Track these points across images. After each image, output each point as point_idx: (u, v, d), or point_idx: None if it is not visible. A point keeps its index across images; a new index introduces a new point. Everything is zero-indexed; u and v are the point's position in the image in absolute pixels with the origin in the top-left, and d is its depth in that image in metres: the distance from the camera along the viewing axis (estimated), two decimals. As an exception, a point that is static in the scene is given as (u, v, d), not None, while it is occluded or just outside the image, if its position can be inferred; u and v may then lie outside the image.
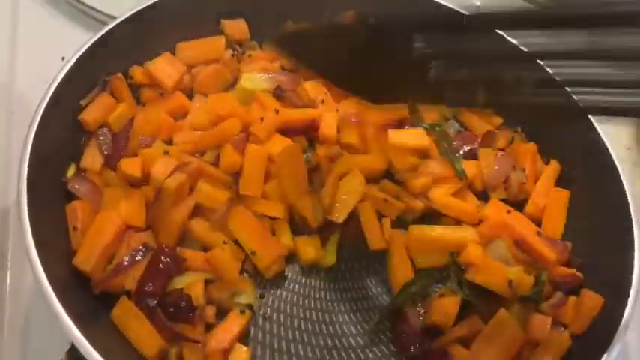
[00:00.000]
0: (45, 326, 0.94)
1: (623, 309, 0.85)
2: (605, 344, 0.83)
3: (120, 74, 1.06)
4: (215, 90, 1.10)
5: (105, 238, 0.88)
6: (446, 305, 0.91)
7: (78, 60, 1.00)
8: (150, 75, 1.07)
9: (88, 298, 0.86)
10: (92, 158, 0.98)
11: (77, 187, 0.94)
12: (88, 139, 1.00)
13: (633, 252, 0.91)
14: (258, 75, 1.07)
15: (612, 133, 1.27)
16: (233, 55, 1.13)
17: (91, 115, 1.00)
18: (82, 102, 1.01)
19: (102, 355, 0.76)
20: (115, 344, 0.84)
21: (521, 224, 0.99)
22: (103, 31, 1.04)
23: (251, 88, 1.05)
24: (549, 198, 1.04)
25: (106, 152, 0.98)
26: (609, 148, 1.02)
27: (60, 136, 0.97)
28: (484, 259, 0.93)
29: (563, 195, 1.04)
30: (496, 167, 1.06)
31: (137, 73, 1.07)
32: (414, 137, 1.05)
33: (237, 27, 1.17)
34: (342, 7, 1.18)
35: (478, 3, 1.51)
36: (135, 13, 1.08)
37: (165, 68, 1.07)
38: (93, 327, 0.82)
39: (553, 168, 1.07)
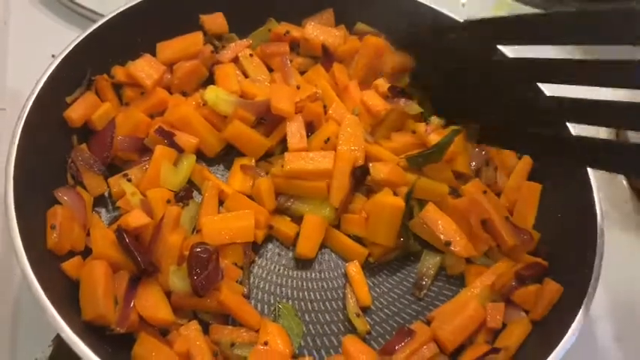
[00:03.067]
0: (33, 314, 0.97)
1: (583, 296, 0.89)
2: (563, 331, 0.86)
3: (105, 75, 1.09)
4: (192, 86, 1.13)
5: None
6: None
7: (66, 57, 1.03)
8: (130, 75, 1.09)
9: (73, 287, 0.90)
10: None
11: (62, 195, 0.97)
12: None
13: (596, 242, 0.95)
14: (224, 94, 1.09)
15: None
16: (212, 52, 1.16)
17: (76, 112, 1.03)
18: (68, 99, 1.04)
19: (87, 344, 0.79)
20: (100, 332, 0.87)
21: (493, 206, 1.03)
22: (91, 29, 1.07)
23: (210, 104, 1.07)
24: (521, 191, 1.07)
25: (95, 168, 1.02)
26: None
27: (47, 131, 1.00)
28: None
29: (535, 188, 1.07)
30: (472, 163, 1.11)
31: (119, 72, 1.10)
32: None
33: (215, 21, 1.19)
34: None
35: (463, 1, 1.54)
36: (122, 11, 1.11)
37: (145, 69, 1.10)
38: (78, 316, 0.86)
39: (526, 162, 1.10)
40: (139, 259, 0.90)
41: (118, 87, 1.11)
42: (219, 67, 1.14)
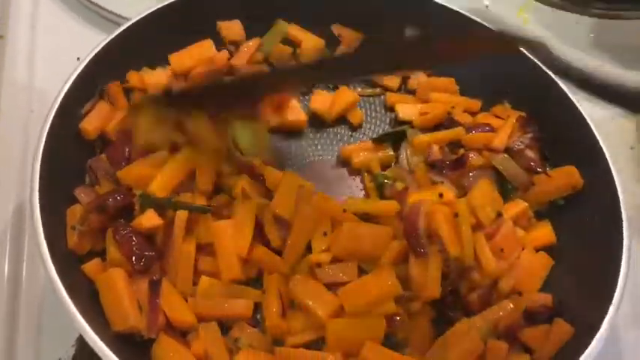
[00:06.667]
0: (58, 314, 0.94)
1: (591, 339, 0.86)
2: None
3: (117, 82, 1.09)
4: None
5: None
6: None
7: (92, 60, 1.04)
8: (143, 81, 1.10)
9: (95, 288, 0.91)
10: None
11: (81, 194, 0.98)
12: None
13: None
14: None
15: (615, 132, 1.30)
16: (228, 59, 1.16)
17: (91, 124, 1.03)
18: (83, 110, 1.04)
19: (108, 346, 0.80)
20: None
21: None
22: (117, 32, 1.08)
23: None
24: (531, 265, 1.00)
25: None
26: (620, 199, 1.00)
27: (72, 134, 1.02)
28: None
29: (546, 263, 1.01)
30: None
31: (133, 78, 1.10)
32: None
33: (232, 28, 1.20)
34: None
35: (487, 2, 1.53)
36: (149, 15, 1.12)
37: (158, 78, 1.10)
38: (100, 318, 0.87)
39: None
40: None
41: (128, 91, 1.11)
42: None
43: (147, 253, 0.92)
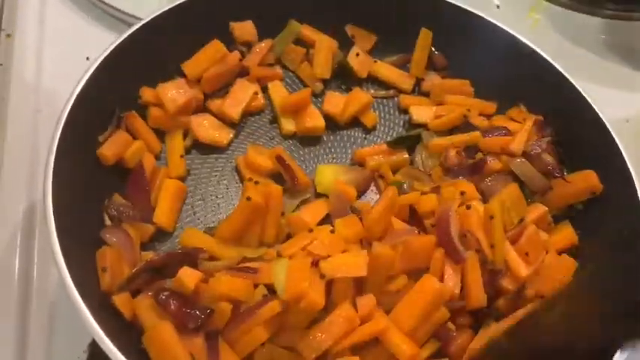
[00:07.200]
0: (69, 319, 0.97)
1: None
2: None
3: (134, 112, 1.07)
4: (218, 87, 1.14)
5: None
6: None
7: (103, 60, 1.02)
8: (157, 97, 1.08)
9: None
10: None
11: (109, 236, 0.94)
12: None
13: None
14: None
15: (632, 133, 1.29)
16: (241, 60, 1.16)
17: (109, 149, 1.01)
18: (100, 138, 1.02)
19: (121, 352, 0.78)
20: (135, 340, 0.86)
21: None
22: (129, 32, 1.07)
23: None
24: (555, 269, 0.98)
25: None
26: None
27: (84, 134, 1.00)
28: None
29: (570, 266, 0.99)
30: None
31: (146, 93, 1.09)
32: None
33: (245, 28, 1.19)
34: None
35: (497, 2, 1.52)
36: (159, 15, 1.10)
37: (172, 91, 1.08)
38: (113, 323, 0.85)
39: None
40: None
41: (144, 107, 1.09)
42: (237, 81, 1.15)
43: (197, 313, 0.85)
